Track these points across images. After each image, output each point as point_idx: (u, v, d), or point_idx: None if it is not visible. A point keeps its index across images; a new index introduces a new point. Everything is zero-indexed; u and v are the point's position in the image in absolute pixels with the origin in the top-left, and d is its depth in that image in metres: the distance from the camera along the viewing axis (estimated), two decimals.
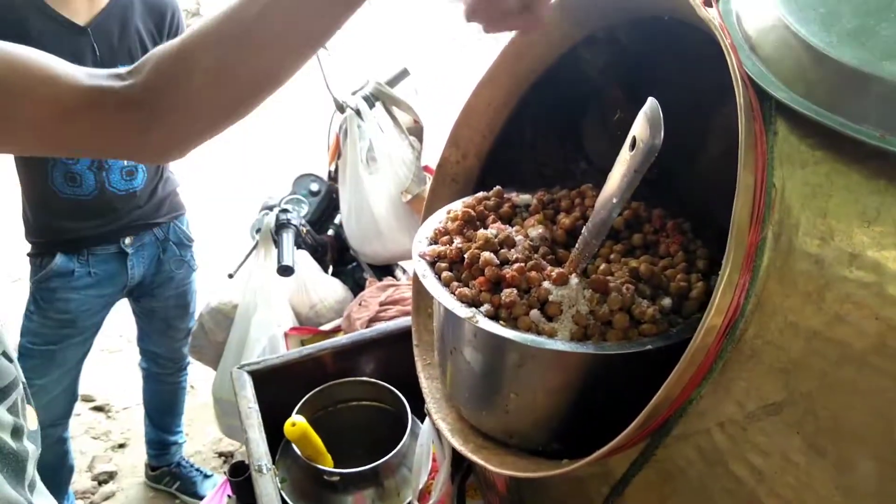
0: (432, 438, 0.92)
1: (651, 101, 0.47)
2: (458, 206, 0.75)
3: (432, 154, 1.86)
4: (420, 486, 0.95)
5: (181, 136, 0.67)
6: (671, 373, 0.46)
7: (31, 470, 0.57)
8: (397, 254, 1.94)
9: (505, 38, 0.80)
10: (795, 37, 0.46)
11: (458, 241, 0.69)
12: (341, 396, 1.15)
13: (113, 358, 2.81)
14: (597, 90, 0.88)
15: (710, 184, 0.78)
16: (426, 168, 1.88)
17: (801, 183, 0.44)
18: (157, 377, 2.03)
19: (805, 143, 0.45)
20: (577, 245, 0.62)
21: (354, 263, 2.03)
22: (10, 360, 0.55)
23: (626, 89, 0.86)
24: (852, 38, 0.44)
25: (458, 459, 0.90)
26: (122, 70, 0.64)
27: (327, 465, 1.03)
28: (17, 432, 0.54)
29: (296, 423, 0.98)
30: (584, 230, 0.61)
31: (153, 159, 0.79)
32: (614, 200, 0.54)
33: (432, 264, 0.69)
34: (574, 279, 0.61)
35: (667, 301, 0.59)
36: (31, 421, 0.58)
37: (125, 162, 1.60)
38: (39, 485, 0.59)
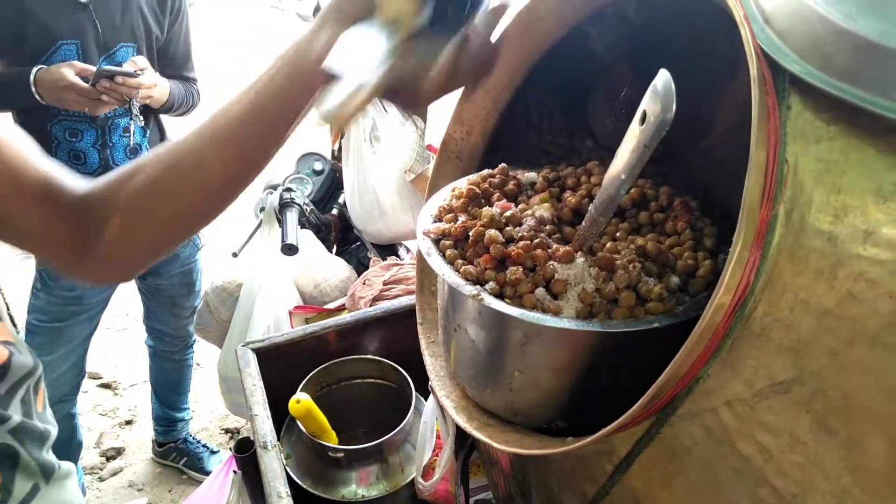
0: (436, 415, 0.92)
1: (663, 73, 0.46)
2: (462, 184, 0.75)
3: (436, 133, 1.84)
4: (424, 463, 0.95)
5: (120, 253, 0.62)
6: (678, 351, 0.46)
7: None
8: (401, 233, 1.94)
9: (509, 14, 0.79)
10: (811, 8, 0.45)
11: (462, 218, 0.68)
12: (345, 374, 1.16)
13: (119, 336, 2.83)
14: (604, 67, 0.86)
15: (717, 162, 0.77)
16: (430, 147, 1.87)
17: (815, 159, 0.43)
18: (163, 355, 2.04)
19: (820, 118, 0.44)
20: (583, 223, 0.61)
21: (358, 242, 2.03)
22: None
23: (633, 66, 0.85)
24: (872, 8, 0.42)
25: (462, 436, 0.90)
26: (95, 182, 0.62)
27: (331, 441, 1.04)
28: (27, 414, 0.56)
29: (300, 401, 0.98)
30: (590, 207, 0.60)
31: (91, 278, 0.71)
32: (622, 177, 0.53)
33: (436, 242, 0.68)
34: (580, 257, 0.61)
35: (674, 279, 0.59)
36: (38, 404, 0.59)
37: (129, 140, 1.60)
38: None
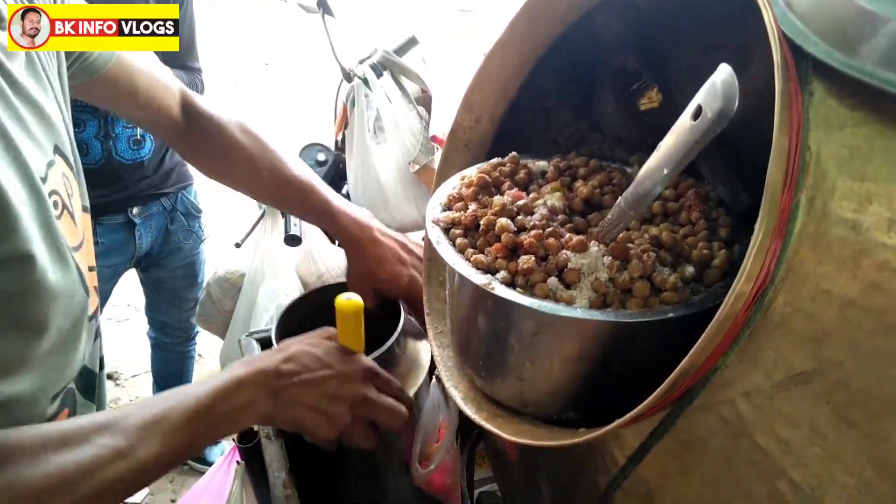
0: (439, 404, 0.92)
1: (724, 68, 0.45)
2: (472, 172, 0.74)
3: (440, 124, 1.83)
4: (423, 449, 0.94)
5: (203, 169, 1.00)
6: (691, 341, 0.45)
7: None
8: (404, 224, 1.92)
9: (517, 3, 0.78)
10: None
11: (472, 207, 0.67)
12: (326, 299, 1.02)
13: (122, 327, 2.82)
14: (611, 55, 0.85)
15: (729, 150, 0.76)
16: (434, 138, 1.85)
17: (839, 145, 0.42)
18: (165, 346, 2.04)
19: (844, 104, 0.43)
20: (610, 214, 0.60)
21: None
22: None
23: (641, 54, 0.83)
24: None
25: (467, 428, 0.90)
26: (213, 111, 0.94)
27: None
28: None
29: (351, 300, 0.76)
30: (620, 200, 0.58)
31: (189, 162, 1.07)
32: (665, 171, 0.51)
33: (446, 231, 0.67)
34: (593, 246, 0.60)
35: (689, 269, 0.58)
36: None
37: (132, 130, 1.58)
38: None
